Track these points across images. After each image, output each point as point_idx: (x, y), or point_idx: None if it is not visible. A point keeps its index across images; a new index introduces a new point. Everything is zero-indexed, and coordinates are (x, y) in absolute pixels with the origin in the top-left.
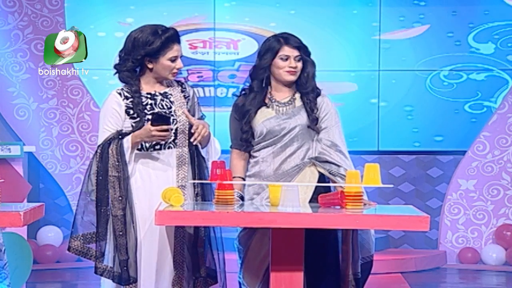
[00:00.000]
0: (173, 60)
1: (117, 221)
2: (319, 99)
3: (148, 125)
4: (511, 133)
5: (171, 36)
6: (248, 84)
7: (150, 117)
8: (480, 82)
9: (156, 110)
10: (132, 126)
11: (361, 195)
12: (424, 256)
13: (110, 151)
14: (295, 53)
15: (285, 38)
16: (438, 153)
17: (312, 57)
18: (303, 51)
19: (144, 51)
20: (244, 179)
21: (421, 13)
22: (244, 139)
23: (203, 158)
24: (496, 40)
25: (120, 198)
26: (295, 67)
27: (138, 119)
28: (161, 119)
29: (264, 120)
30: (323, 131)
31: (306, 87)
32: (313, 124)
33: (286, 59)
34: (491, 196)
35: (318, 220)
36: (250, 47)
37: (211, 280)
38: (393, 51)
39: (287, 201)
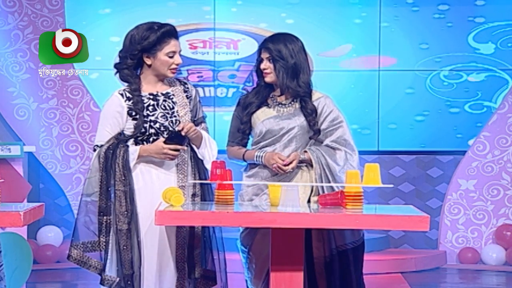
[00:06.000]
0: (171, 55)
1: (122, 235)
2: (320, 101)
3: (160, 142)
4: (511, 133)
5: (168, 31)
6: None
7: (154, 121)
8: (480, 82)
9: (165, 122)
10: (133, 127)
11: (361, 195)
12: (424, 256)
13: (116, 165)
14: (266, 54)
15: (263, 41)
16: (438, 153)
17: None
18: (275, 52)
19: (140, 46)
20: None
21: (420, 12)
22: (242, 130)
23: (200, 159)
24: (496, 40)
25: (126, 212)
26: (265, 69)
27: (138, 119)
28: (176, 138)
29: (264, 119)
30: (322, 133)
31: (293, 90)
32: (315, 136)
33: (261, 61)
34: (491, 196)
35: (318, 220)
36: (250, 47)
37: (211, 282)
38: (393, 51)
39: (287, 201)
